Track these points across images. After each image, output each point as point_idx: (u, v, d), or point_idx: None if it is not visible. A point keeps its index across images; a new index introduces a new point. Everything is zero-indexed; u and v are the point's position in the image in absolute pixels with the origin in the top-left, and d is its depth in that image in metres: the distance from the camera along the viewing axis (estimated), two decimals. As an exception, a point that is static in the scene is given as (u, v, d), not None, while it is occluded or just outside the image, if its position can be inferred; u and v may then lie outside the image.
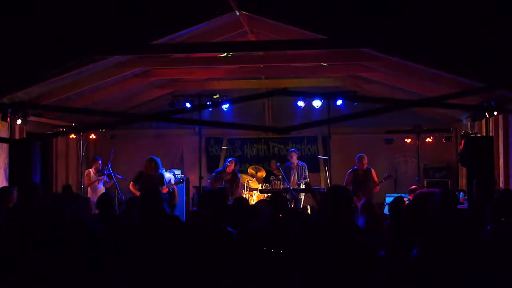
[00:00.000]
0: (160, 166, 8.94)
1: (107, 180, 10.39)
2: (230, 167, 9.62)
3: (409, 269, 4.10)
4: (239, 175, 10.29)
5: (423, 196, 5.82)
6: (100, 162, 10.51)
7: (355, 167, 9.75)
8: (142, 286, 4.18)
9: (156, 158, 8.93)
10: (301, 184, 10.52)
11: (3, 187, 6.86)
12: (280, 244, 4.40)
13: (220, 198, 4.50)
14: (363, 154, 9.81)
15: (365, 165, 9.70)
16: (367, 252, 3.81)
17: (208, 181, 9.86)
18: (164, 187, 8.86)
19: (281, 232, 4.53)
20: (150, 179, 8.71)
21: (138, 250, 4.22)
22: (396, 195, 8.81)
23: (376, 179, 9.79)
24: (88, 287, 4.09)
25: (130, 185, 8.98)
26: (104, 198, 5.91)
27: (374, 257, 3.96)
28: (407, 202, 8.71)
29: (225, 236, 4.26)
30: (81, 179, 10.62)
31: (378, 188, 9.79)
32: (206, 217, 4.43)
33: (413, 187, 9.27)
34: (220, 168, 10.32)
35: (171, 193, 9.26)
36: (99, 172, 10.49)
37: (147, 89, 11.91)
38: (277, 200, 5.08)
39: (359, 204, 6.57)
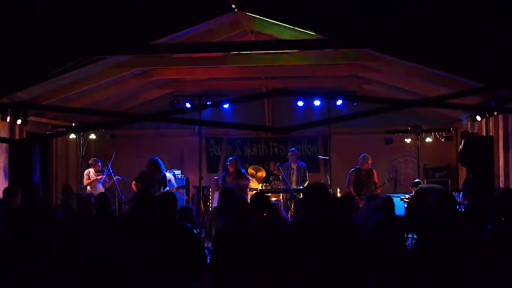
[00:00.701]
0: (162, 166, 8.92)
1: (107, 180, 10.38)
2: (232, 166, 9.60)
3: (408, 268, 4.09)
4: (243, 169, 10.15)
5: (424, 191, 5.81)
6: (99, 163, 10.50)
7: (358, 166, 9.68)
8: (141, 286, 4.18)
9: (158, 159, 8.90)
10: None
11: (8, 188, 6.82)
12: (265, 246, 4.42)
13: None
14: (367, 154, 9.77)
15: (369, 165, 9.67)
16: (353, 249, 3.81)
17: (220, 185, 9.78)
18: (166, 190, 8.84)
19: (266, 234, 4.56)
20: (152, 180, 8.70)
21: (136, 250, 4.23)
22: (396, 195, 8.83)
23: (377, 180, 9.76)
24: (88, 287, 4.08)
25: (133, 184, 8.99)
26: (102, 198, 5.85)
27: (360, 254, 3.95)
28: (408, 197, 8.76)
29: (179, 231, 4.31)
30: (81, 179, 10.62)
31: (380, 189, 9.76)
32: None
33: (416, 180, 9.24)
34: (224, 172, 10.27)
35: (171, 193, 9.29)
36: (98, 172, 10.49)
37: (147, 89, 11.91)
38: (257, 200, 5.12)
39: (361, 204, 6.54)
